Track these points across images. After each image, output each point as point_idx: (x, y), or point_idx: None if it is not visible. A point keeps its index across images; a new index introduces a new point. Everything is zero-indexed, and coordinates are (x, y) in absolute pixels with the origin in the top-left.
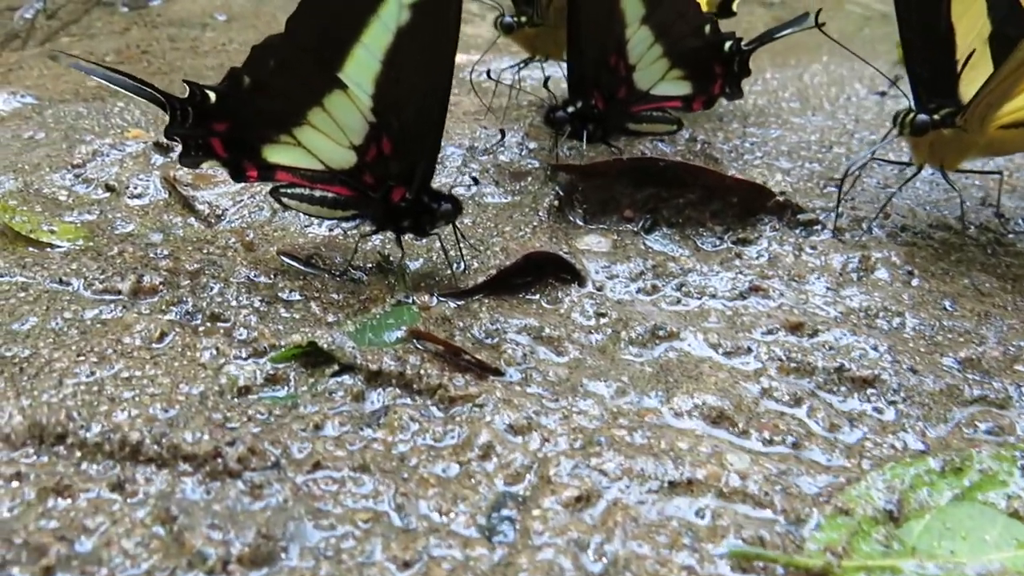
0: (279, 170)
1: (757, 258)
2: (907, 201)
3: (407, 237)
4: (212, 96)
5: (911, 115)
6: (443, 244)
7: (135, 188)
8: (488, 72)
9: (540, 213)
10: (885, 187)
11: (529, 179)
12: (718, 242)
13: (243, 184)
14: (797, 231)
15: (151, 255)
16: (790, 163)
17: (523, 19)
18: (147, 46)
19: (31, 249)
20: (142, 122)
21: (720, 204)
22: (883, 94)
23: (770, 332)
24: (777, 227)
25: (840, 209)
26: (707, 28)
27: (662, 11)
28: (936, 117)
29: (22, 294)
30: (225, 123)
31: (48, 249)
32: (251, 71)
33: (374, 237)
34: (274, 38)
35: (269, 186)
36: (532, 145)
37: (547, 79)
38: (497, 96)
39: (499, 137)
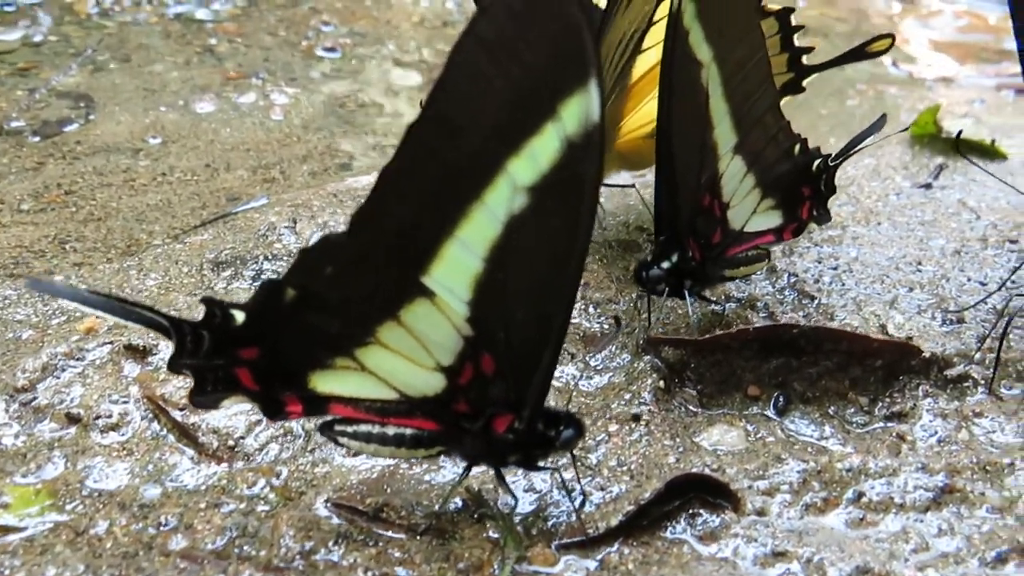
0: (333, 402)
1: (924, 439)
2: None
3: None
4: (238, 316)
5: None
6: (562, 478)
7: (108, 416)
8: None
9: (645, 401)
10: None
11: (612, 348)
12: (867, 418)
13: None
14: (948, 391)
15: (152, 529)
16: (888, 292)
17: None
18: (70, 185)
19: None
20: None
21: (860, 369)
22: (928, 186)
23: (1001, 561)
24: (929, 391)
25: (978, 354)
26: (796, 148)
27: (754, 136)
28: None
29: None
30: (256, 349)
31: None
32: (298, 281)
33: (445, 463)
34: (333, 239)
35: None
36: (597, 296)
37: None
38: None
39: None
